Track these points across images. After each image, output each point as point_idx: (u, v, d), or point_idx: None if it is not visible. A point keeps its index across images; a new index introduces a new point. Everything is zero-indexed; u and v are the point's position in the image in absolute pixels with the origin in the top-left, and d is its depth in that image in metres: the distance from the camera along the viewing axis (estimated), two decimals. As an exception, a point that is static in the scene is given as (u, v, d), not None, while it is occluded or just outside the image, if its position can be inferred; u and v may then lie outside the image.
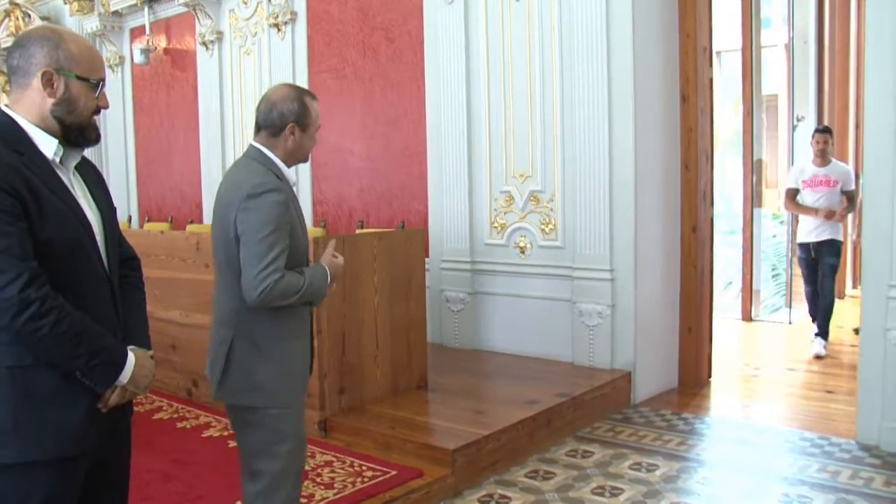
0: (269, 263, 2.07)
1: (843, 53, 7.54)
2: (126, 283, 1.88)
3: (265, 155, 2.23)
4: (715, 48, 5.22)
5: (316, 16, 6.32)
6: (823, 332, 5.66)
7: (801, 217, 5.94)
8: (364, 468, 3.52)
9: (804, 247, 5.87)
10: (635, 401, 4.63)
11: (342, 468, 3.52)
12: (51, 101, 1.67)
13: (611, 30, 4.55)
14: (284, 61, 6.51)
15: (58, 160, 1.69)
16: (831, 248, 5.72)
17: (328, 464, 3.58)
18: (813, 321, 5.81)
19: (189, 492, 3.31)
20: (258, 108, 2.26)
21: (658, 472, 3.57)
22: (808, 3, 7.50)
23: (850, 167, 6.09)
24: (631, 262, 4.60)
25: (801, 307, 6.30)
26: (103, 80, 1.76)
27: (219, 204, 2.25)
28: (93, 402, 1.69)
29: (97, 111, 1.76)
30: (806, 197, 5.78)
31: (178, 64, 7.65)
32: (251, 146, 2.27)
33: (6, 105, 1.70)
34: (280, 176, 2.22)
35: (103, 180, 1.89)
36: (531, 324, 5.05)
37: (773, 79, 8.12)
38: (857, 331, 5.34)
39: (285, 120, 2.21)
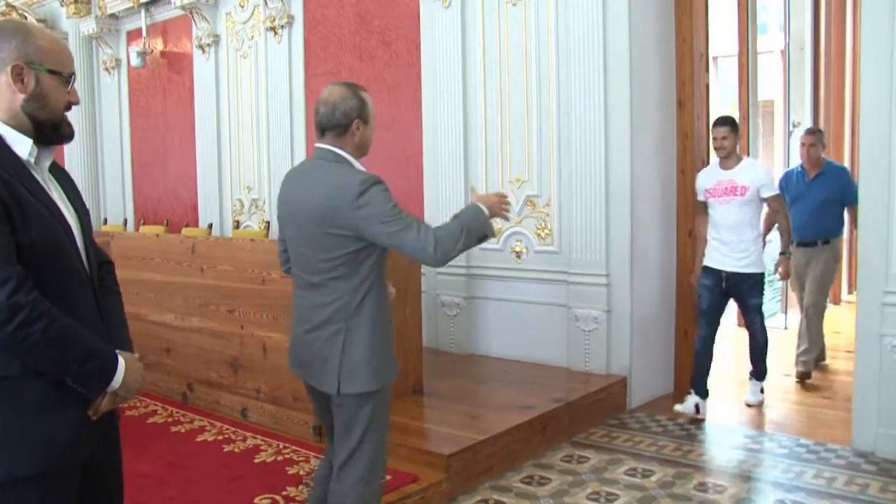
0: (417, 226, 2.22)
1: (838, 59, 7.56)
2: (102, 285, 1.82)
3: (339, 154, 2.34)
4: (711, 54, 5.22)
5: (313, 19, 6.32)
6: (759, 373, 4.64)
7: (710, 231, 4.48)
8: (359, 473, 3.50)
9: (712, 273, 4.43)
10: (631, 406, 4.62)
11: (337, 473, 3.51)
12: (21, 96, 1.60)
13: (607, 35, 4.55)
14: (281, 65, 6.51)
15: (32, 160, 1.62)
16: (753, 286, 4.39)
17: (323, 469, 3.56)
18: (692, 382, 4.47)
19: (183, 497, 3.29)
20: (317, 112, 2.35)
21: (654, 478, 3.56)
22: (804, 10, 7.53)
23: (766, 167, 4.75)
24: (627, 267, 4.60)
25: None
26: (74, 74, 1.71)
27: (311, 206, 2.29)
28: (83, 410, 1.63)
29: (68, 107, 1.70)
30: (714, 210, 4.43)
31: (175, 67, 7.64)
32: (321, 148, 2.36)
33: None
34: None
35: (74, 182, 1.81)
36: (527, 328, 5.04)
37: (769, 84, 8.14)
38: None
39: (350, 117, 2.32)
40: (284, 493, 3.30)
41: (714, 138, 4.43)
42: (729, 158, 4.41)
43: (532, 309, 5.03)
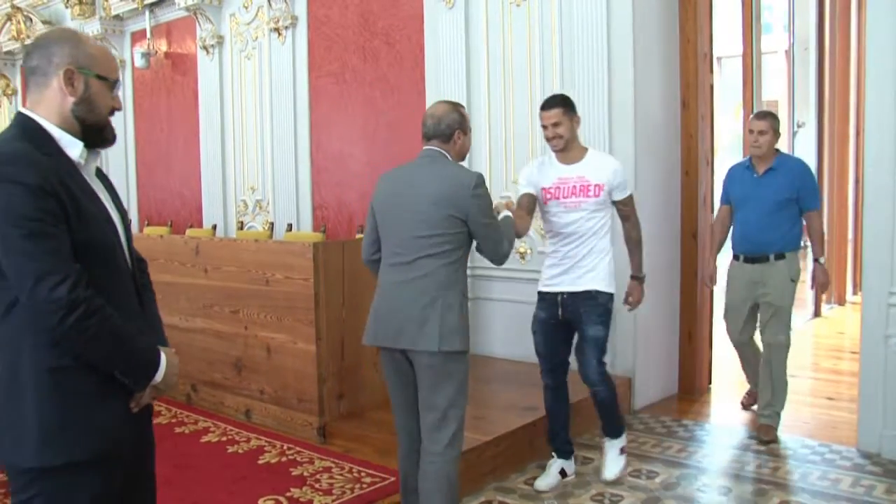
0: (503, 228, 2.86)
1: (843, 59, 7.54)
2: (141, 282, 1.91)
3: (445, 155, 2.80)
4: (715, 54, 5.22)
5: (317, 20, 6.33)
6: (613, 429, 3.55)
7: (549, 244, 3.53)
8: (363, 474, 3.51)
9: (547, 301, 3.46)
10: (635, 407, 4.61)
11: (341, 474, 3.51)
12: (71, 99, 1.68)
13: (611, 35, 4.54)
14: (285, 66, 6.52)
15: (83, 162, 1.70)
16: (594, 309, 3.35)
17: (327, 469, 3.57)
18: (550, 442, 3.59)
19: (187, 497, 3.30)
20: (425, 124, 2.83)
21: (658, 480, 3.56)
22: (808, 10, 7.52)
23: (618, 161, 3.53)
24: (631, 268, 4.58)
25: (803, 313, 6.17)
26: (119, 80, 1.79)
27: (431, 190, 2.68)
28: (127, 401, 1.73)
29: (112, 112, 1.78)
30: (554, 217, 3.41)
31: (179, 68, 7.65)
32: (429, 148, 2.81)
33: (27, 108, 1.70)
34: None
35: (112, 183, 1.91)
36: (531, 330, 5.02)
37: (773, 85, 8.13)
38: None
39: (452, 128, 2.81)
40: (288, 494, 3.31)
41: (543, 126, 3.39)
42: (569, 150, 3.39)
43: (536, 310, 5.01)
